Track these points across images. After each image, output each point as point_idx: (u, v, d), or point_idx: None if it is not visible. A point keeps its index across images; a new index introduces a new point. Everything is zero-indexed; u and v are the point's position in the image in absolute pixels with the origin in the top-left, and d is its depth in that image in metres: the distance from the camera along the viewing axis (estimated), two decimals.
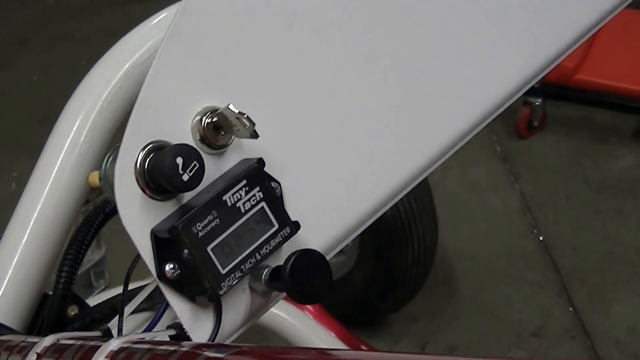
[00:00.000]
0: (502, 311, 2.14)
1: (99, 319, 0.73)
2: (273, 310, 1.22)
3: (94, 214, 0.71)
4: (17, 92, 2.97)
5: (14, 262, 0.70)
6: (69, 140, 0.70)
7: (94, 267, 1.11)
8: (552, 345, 2.05)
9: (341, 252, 1.92)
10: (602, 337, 2.06)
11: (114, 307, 0.73)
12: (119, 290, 0.69)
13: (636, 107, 2.47)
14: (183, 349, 0.48)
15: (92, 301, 0.78)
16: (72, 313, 0.75)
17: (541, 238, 2.30)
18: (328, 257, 0.62)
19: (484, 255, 2.26)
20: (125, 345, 0.51)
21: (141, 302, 0.66)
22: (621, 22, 2.55)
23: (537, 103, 2.56)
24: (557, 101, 2.60)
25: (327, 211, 0.64)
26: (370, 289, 1.94)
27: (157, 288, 0.58)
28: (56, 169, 0.70)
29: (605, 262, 2.23)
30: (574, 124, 2.66)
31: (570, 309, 2.13)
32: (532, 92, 2.50)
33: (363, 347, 1.56)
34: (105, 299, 0.77)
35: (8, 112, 2.87)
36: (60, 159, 0.70)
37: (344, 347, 1.35)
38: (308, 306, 1.48)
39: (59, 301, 0.69)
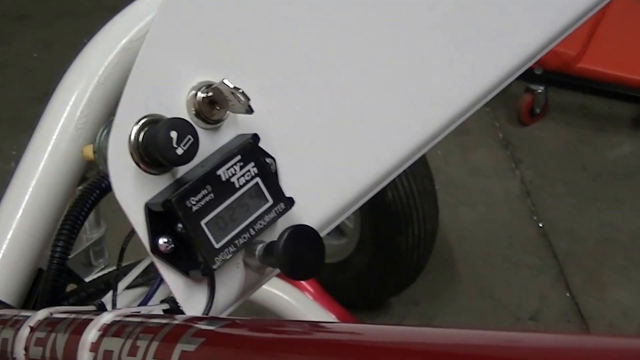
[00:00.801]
0: (501, 294, 2.14)
1: (94, 294, 0.73)
2: (273, 290, 1.23)
3: (90, 189, 0.70)
4: (17, 69, 2.94)
5: (8, 237, 0.69)
6: (65, 115, 0.69)
7: (93, 245, 1.11)
8: (548, 329, 2.05)
9: (342, 234, 1.95)
10: (597, 320, 2.08)
11: (109, 282, 0.72)
12: None
13: (635, 96, 2.47)
14: (175, 321, 0.48)
15: None
16: (69, 290, 0.75)
17: (540, 224, 2.30)
18: (322, 234, 0.62)
19: (484, 239, 2.26)
20: (118, 318, 0.52)
21: (136, 278, 0.66)
22: (623, 12, 2.56)
23: (540, 90, 2.56)
24: (558, 89, 2.60)
25: (322, 188, 0.64)
26: (371, 272, 1.94)
27: (152, 263, 0.58)
28: (52, 143, 0.69)
29: (602, 248, 2.24)
30: (574, 111, 2.66)
31: (567, 294, 2.14)
32: (534, 79, 2.50)
33: None
34: None
35: (7, 89, 2.84)
36: (56, 133, 0.69)
37: None
38: (308, 287, 1.48)
39: (53, 276, 0.68)
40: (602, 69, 2.45)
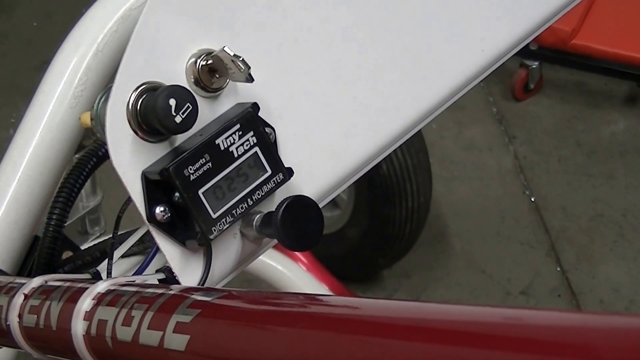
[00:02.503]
0: (493, 269, 2.15)
1: (89, 262, 0.72)
2: (266, 260, 1.23)
3: (87, 156, 0.70)
4: (17, 37, 2.92)
5: (4, 203, 0.69)
6: (62, 82, 0.69)
7: (89, 213, 1.11)
8: (539, 304, 2.07)
9: (336, 206, 1.94)
10: (587, 296, 2.09)
11: (105, 251, 0.72)
12: None
13: (630, 73, 2.47)
14: (171, 292, 0.48)
15: None
16: (65, 257, 0.74)
17: (533, 199, 2.30)
18: (321, 205, 0.61)
19: (476, 214, 2.27)
20: (113, 287, 0.51)
21: (132, 246, 0.65)
22: None
23: (534, 66, 2.55)
24: (553, 65, 2.59)
25: (321, 159, 0.64)
26: (364, 244, 1.95)
27: (148, 232, 0.57)
28: (49, 111, 0.69)
29: (594, 224, 2.25)
30: (569, 88, 2.65)
31: (558, 269, 2.15)
32: (529, 55, 2.49)
33: None
34: None
35: (7, 57, 2.82)
36: (53, 101, 0.69)
37: None
38: (302, 258, 1.48)
39: (49, 243, 0.68)
40: (598, 45, 2.44)
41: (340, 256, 1.96)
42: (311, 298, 0.45)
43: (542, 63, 2.56)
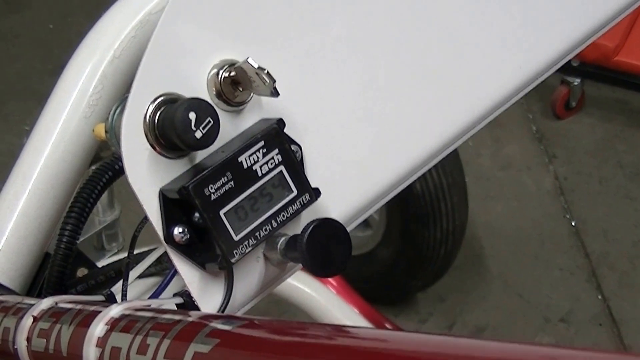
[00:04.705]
0: (531, 294, 2.11)
1: (103, 282, 0.71)
2: (295, 283, 1.21)
3: (102, 169, 0.68)
4: (32, 39, 2.89)
5: (13, 217, 0.67)
6: (77, 90, 0.66)
7: (106, 229, 1.09)
8: (579, 332, 2.03)
9: (368, 226, 1.92)
10: (629, 325, 2.04)
11: (120, 270, 0.70)
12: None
13: None
14: (189, 318, 0.46)
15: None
16: (81, 275, 0.72)
17: (573, 223, 2.26)
18: (349, 228, 0.59)
19: (514, 236, 2.23)
20: (127, 312, 0.49)
21: (149, 267, 0.63)
22: None
23: (576, 83, 2.53)
24: (595, 82, 2.56)
25: (350, 179, 0.61)
26: (397, 266, 1.92)
27: (166, 252, 0.55)
28: (62, 120, 0.67)
29: (637, 249, 2.20)
30: (611, 106, 2.62)
31: (599, 296, 2.11)
32: (570, 71, 2.47)
33: (387, 325, 1.54)
34: None
35: (21, 61, 2.80)
36: (67, 110, 0.66)
37: (367, 324, 1.33)
38: (331, 281, 1.46)
39: (60, 261, 0.66)
40: None
41: (372, 278, 1.93)
42: (338, 329, 0.44)
43: (584, 80, 2.53)
